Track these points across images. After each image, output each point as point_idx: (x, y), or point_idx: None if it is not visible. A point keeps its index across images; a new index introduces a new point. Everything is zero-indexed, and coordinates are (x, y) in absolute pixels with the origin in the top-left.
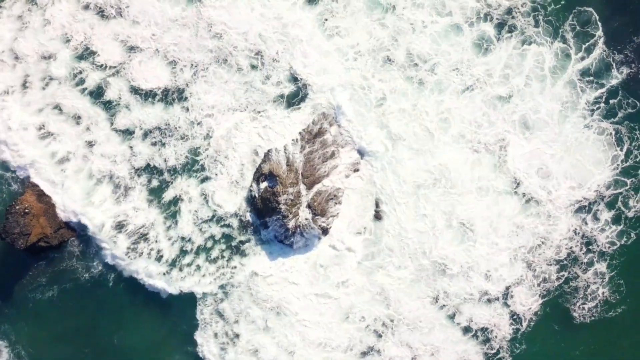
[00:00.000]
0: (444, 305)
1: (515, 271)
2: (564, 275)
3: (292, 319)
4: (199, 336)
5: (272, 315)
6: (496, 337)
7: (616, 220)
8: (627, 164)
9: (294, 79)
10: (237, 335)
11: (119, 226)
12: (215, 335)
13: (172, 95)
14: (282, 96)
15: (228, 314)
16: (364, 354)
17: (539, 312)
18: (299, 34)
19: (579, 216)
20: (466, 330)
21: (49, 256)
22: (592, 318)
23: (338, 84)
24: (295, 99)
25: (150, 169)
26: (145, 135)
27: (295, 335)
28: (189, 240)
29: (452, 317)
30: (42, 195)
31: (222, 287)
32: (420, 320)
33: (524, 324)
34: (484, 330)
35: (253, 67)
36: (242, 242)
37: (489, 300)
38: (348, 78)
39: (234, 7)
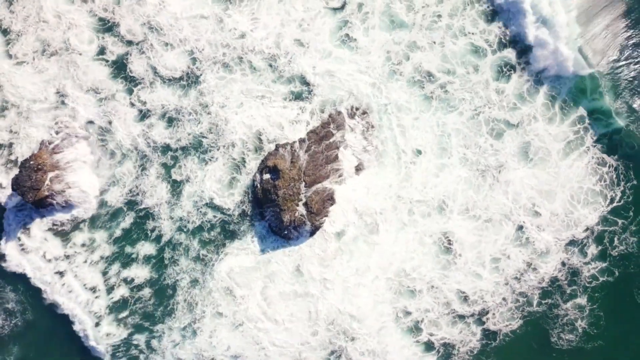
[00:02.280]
0: (410, 321)
1: (497, 294)
2: (548, 302)
3: (266, 311)
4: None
5: (244, 307)
6: (459, 350)
7: (601, 256)
8: (620, 203)
9: (305, 82)
10: (199, 327)
11: (131, 203)
12: (183, 327)
13: (187, 80)
14: (292, 93)
15: (199, 303)
16: (332, 352)
17: (517, 331)
18: (314, 42)
19: (568, 249)
20: (429, 347)
21: (54, 213)
22: (569, 347)
23: (347, 91)
24: (304, 97)
25: (163, 148)
26: (163, 115)
27: (265, 328)
28: (188, 220)
29: (414, 332)
30: (55, 154)
31: (203, 272)
32: (381, 332)
33: (498, 339)
34: (446, 345)
35: (268, 67)
36: (236, 227)
37: (462, 317)
38: (357, 87)
39: (259, 12)
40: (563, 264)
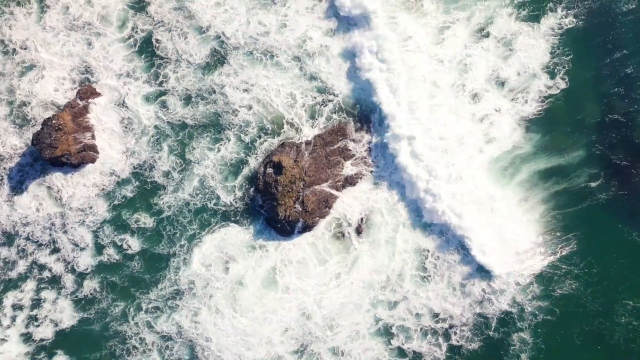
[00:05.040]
0: (383, 325)
1: (462, 316)
2: (504, 330)
3: (241, 302)
4: (149, 295)
5: (219, 293)
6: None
7: (545, 296)
8: (566, 252)
9: (326, 82)
10: (177, 306)
11: (139, 175)
12: (166, 299)
13: (210, 61)
14: (310, 88)
15: (181, 279)
16: (302, 345)
17: (478, 350)
18: (335, 48)
19: (519, 287)
20: (401, 352)
21: (66, 172)
22: None
23: (360, 101)
24: (322, 95)
25: (180, 125)
26: (182, 93)
27: (238, 319)
28: (189, 202)
29: (383, 335)
30: (76, 117)
31: (188, 250)
32: (353, 336)
33: (462, 355)
34: (415, 352)
35: (293, 64)
36: (234, 214)
37: (433, 330)
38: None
39: (287, 16)
40: (514, 300)
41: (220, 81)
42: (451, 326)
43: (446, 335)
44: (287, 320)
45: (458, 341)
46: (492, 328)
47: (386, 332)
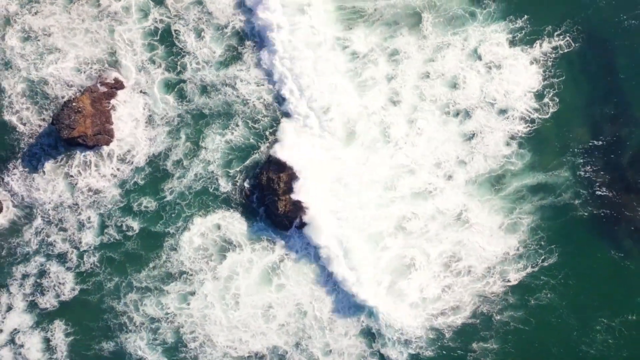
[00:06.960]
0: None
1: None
2: (462, 339)
3: (237, 293)
4: (139, 275)
5: (215, 284)
6: None
7: (520, 306)
8: (545, 264)
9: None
10: (166, 290)
11: (153, 163)
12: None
13: (227, 56)
14: None
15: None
16: (298, 342)
17: (435, 357)
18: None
19: (484, 299)
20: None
21: (82, 152)
22: None
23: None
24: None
25: (197, 115)
26: (199, 83)
27: (229, 311)
28: (191, 186)
29: (368, 338)
30: (95, 102)
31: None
32: (345, 336)
33: None
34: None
35: None
36: (234, 203)
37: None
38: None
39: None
40: (474, 313)
41: (233, 74)
42: (410, 337)
43: (406, 344)
44: (282, 316)
45: (415, 350)
46: (448, 338)
47: (369, 333)
